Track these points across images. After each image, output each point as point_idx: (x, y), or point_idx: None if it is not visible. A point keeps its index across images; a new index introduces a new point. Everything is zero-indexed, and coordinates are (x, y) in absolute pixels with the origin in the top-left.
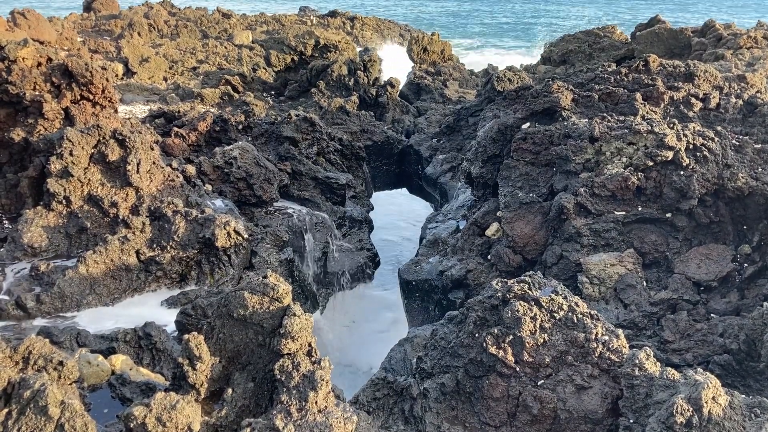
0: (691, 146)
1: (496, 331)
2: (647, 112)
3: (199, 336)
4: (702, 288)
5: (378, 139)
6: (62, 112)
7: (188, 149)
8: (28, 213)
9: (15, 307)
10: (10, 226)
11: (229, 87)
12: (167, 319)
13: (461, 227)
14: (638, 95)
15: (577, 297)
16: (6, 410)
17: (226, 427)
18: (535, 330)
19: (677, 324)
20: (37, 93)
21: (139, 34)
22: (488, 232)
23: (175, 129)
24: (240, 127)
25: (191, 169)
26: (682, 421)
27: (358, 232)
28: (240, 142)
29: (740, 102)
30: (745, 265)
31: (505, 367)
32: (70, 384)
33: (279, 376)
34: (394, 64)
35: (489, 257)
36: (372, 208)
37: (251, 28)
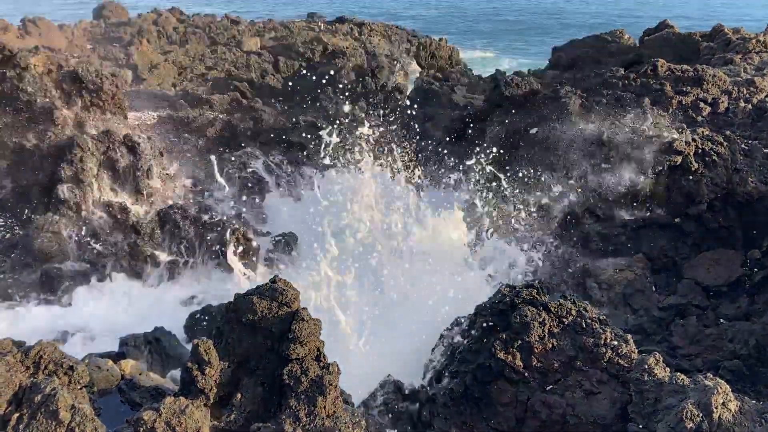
0: (699, 151)
1: (504, 336)
2: (656, 117)
3: (208, 341)
4: (711, 293)
5: None
6: (72, 118)
7: (197, 155)
8: (39, 219)
9: (26, 312)
10: (21, 232)
11: (237, 93)
12: (177, 323)
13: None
14: (647, 100)
15: (585, 302)
16: (17, 414)
17: (235, 431)
18: (544, 335)
19: (686, 329)
20: (47, 100)
21: (148, 41)
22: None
23: (185, 135)
24: (248, 132)
25: (200, 175)
26: (691, 427)
27: None
28: (249, 148)
29: (749, 106)
30: (755, 270)
31: (514, 372)
32: (81, 388)
33: (287, 381)
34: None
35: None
36: None
37: (259, 34)
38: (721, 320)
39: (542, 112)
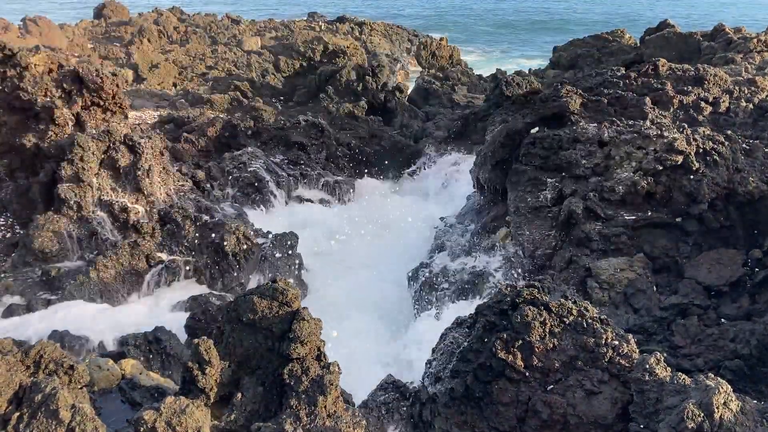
0: (701, 150)
1: (505, 335)
2: (657, 116)
3: (209, 340)
4: (712, 293)
5: (386, 143)
6: (73, 117)
7: (198, 154)
8: (39, 218)
9: (26, 311)
10: (22, 231)
11: (238, 92)
12: (177, 323)
13: (470, 231)
14: (647, 99)
15: (586, 302)
16: (18, 414)
17: (235, 431)
18: (545, 335)
19: (688, 329)
20: (48, 99)
21: (149, 40)
22: (497, 237)
23: (185, 134)
24: (249, 132)
25: (201, 174)
26: (693, 427)
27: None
28: (249, 148)
29: (750, 106)
30: (756, 269)
31: (515, 372)
32: (81, 388)
33: (288, 381)
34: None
35: (498, 261)
36: None
37: (260, 33)
38: (723, 320)
39: (543, 111)
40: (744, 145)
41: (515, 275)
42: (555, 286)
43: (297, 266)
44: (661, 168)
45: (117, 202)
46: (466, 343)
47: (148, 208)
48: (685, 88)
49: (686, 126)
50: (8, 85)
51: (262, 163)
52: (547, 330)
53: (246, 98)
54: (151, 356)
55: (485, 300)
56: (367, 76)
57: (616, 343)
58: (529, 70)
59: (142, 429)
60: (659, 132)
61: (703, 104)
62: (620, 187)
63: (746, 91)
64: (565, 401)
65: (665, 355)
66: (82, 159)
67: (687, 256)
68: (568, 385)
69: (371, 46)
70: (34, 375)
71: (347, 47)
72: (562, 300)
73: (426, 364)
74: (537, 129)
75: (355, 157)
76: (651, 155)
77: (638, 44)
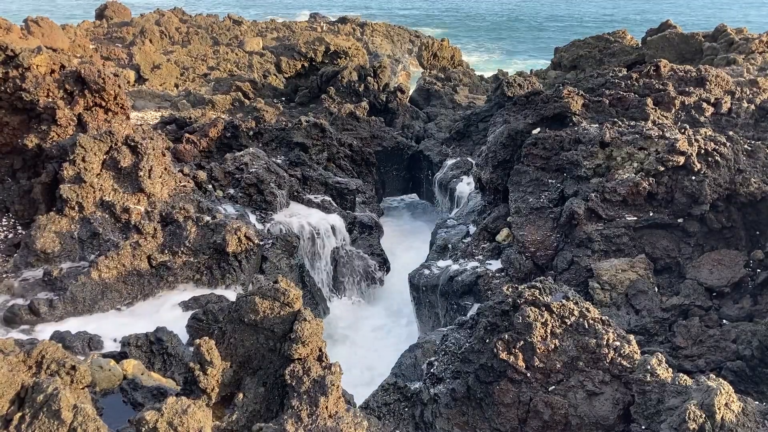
0: (702, 151)
1: (506, 336)
2: (658, 117)
3: (210, 341)
4: (714, 294)
5: (388, 144)
6: (75, 118)
7: (199, 155)
8: (41, 219)
9: (28, 311)
10: (24, 232)
11: (239, 93)
12: (179, 323)
13: (471, 232)
14: (649, 100)
15: (588, 302)
16: (20, 414)
17: (237, 431)
18: (546, 335)
19: (689, 330)
20: (50, 100)
21: (150, 41)
22: (499, 238)
23: (187, 135)
24: (251, 133)
25: (202, 175)
26: (694, 428)
27: (369, 237)
28: (251, 148)
29: (752, 106)
30: (758, 270)
31: (516, 372)
32: (83, 388)
33: (290, 381)
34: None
35: (499, 262)
36: (382, 213)
37: (262, 34)
38: (724, 321)
39: (544, 112)
40: (746, 146)
41: (516, 276)
42: (556, 286)
43: (298, 267)
44: (662, 169)
45: (119, 202)
46: (467, 344)
47: (149, 209)
48: (687, 89)
49: (688, 127)
50: (10, 85)
51: (264, 163)
52: (549, 331)
53: (248, 99)
54: (152, 357)
55: (486, 301)
56: (368, 77)
57: (618, 344)
58: (531, 70)
59: (143, 429)
60: (661, 133)
61: (704, 105)
62: (622, 188)
63: (748, 92)
64: (566, 402)
65: (667, 356)
66: (84, 160)
67: (688, 257)
68: (570, 386)
69: (373, 47)
70: (36, 375)
71: (349, 48)
72: (564, 301)
73: (427, 365)
74: (538, 130)
75: (356, 159)
76: (653, 156)
77: (640, 45)
